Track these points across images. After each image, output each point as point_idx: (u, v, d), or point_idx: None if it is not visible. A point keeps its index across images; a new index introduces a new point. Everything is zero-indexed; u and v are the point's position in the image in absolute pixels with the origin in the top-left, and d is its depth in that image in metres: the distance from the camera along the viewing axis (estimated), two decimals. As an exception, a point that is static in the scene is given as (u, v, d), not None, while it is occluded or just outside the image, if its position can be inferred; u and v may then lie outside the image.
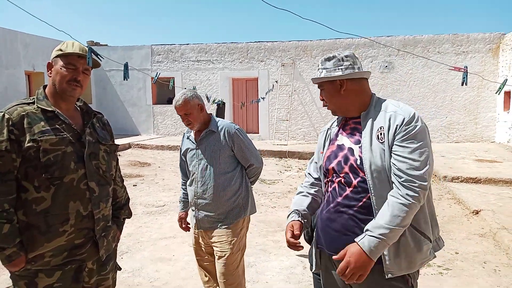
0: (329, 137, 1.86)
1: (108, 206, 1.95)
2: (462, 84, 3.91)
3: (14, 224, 1.68)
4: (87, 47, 2.07)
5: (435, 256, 1.73)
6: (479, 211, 5.44)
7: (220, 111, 10.87)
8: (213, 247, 2.69)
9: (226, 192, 2.64)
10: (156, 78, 6.73)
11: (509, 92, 10.77)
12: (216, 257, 2.67)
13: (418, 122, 1.60)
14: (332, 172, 1.76)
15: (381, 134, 1.63)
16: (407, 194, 1.52)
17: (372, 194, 1.61)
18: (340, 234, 1.68)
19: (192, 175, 2.70)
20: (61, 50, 1.83)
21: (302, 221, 1.86)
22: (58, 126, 1.76)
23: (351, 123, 1.79)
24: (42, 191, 1.71)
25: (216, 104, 10.86)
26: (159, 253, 4.25)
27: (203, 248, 2.79)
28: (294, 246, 1.79)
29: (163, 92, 15.04)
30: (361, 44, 12.68)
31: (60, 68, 1.80)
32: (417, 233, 1.62)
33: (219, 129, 2.68)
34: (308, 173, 2.02)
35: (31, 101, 1.79)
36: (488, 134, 12.04)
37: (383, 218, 1.52)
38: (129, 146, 12.36)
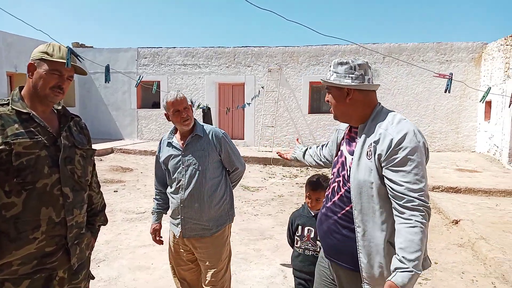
0: (337, 140, 1.96)
1: (82, 212, 1.88)
2: (446, 91, 3.93)
3: None
4: (66, 47, 2.00)
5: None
6: (459, 221, 5.50)
7: (207, 117, 10.79)
8: (198, 256, 2.65)
9: (213, 198, 2.60)
10: (138, 81, 6.65)
11: (490, 102, 10.99)
12: (204, 266, 2.63)
13: (409, 143, 1.58)
14: (332, 175, 1.87)
15: (370, 151, 1.64)
16: (412, 215, 1.53)
17: (354, 207, 1.69)
18: (326, 236, 1.81)
19: (178, 183, 2.60)
20: (47, 53, 1.77)
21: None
22: (32, 129, 1.70)
23: (352, 132, 1.83)
24: (13, 196, 1.63)
25: (201, 109, 10.82)
26: (138, 261, 4.18)
27: (183, 257, 2.74)
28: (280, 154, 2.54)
29: (148, 96, 14.92)
30: (347, 51, 12.80)
31: (44, 73, 1.75)
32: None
33: (207, 133, 2.64)
34: (322, 146, 2.28)
35: (5, 102, 1.73)
36: (469, 143, 12.25)
37: (403, 251, 1.50)
38: (111, 150, 12.19)
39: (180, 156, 2.60)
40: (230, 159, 2.70)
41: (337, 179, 1.80)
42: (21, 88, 1.82)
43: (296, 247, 2.77)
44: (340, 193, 1.76)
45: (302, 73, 13.20)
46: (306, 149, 2.37)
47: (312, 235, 2.64)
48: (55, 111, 1.89)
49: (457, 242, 4.89)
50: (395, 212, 1.57)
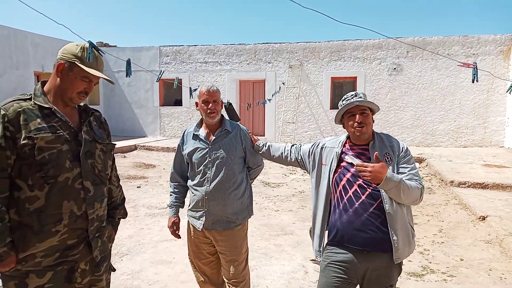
0: (334, 155, 2.28)
1: (103, 206, 1.91)
2: (473, 81, 3.79)
3: (5, 223, 1.63)
4: (88, 41, 2.01)
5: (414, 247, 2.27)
6: (486, 217, 5.33)
7: (232, 113, 10.75)
8: (219, 249, 2.68)
9: (237, 192, 2.64)
10: (159, 76, 6.73)
11: (520, 95, 10.60)
12: (225, 259, 2.66)
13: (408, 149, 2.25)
14: (345, 183, 2.18)
15: (388, 158, 2.15)
16: (420, 183, 2.13)
17: (385, 202, 2.08)
18: (360, 231, 2.10)
19: (203, 176, 2.62)
20: (80, 59, 1.79)
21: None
22: (54, 124, 1.73)
23: (357, 149, 2.24)
24: (36, 189, 1.67)
25: (224, 106, 10.82)
26: (160, 256, 4.23)
27: (203, 251, 2.76)
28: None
29: (170, 93, 15.10)
30: (369, 46, 12.60)
31: (75, 78, 1.78)
32: (411, 228, 2.18)
33: (234, 128, 2.70)
34: (300, 147, 2.59)
35: (28, 97, 1.76)
36: (497, 138, 11.87)
37: (408, 182, 2.06)
38: (135, 147, 12.40)
39: (207, 150, 2.62)
40: (254, 155, 2.75)
41: (356, 183, 2.14)
42: (43, 83, 1.84)
43: None
44: (367, 192, 2.10)
45: (323, 68, 13.07)
46: (268, 146, 2.73)
47: None
48: (76, 106, 1.92)
49: (484, 239, 4.75)
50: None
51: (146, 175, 8.70)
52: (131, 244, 4.54)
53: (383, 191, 2.06)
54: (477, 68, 3.38)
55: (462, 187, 7.11)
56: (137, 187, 7.50)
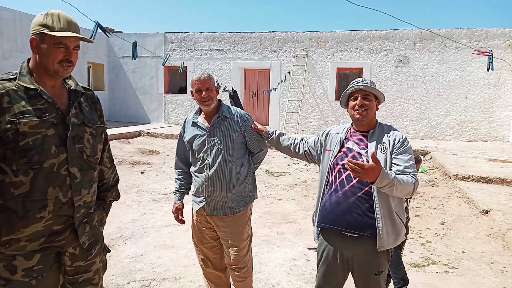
0: (338, 140, 2.33)
1: (91, 192, 1.82)
2: (488, 70, 3.78)
3: None
4: (95, 21, 1.94)
5: (406, 238, 2.38)
6: (489, 211, 5.33)
7: (235, 100, 10.68)
8: (221, 234, 2.69)
9: (237, 178, 2.62)
10: (165, 60, 6.73)
11: (527, 90, 10.51)
12: (226, 245, 2.67)
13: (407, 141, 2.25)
14: (341, 167, 2.23)
15: (384, 148, 2.19)
16: (413, 177, 2.12)
17: (374, 188, 2.11)
18: (346, 213, 2.16)
19: (202, 162, 2.62)
20: (47, 26, 1.63)
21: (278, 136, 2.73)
22: (40, 106, 1.62)
23: (358, 134, 2.29)
24: (20, 175, 1.60)
25: (228, 93, 10.78)
26: (163, 240, 4.27)
27: (205, 235, 2.77)
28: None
29: (175, 81, 15.07)
30: (376, 37, 12.49)
31: (49, 48, 1.63)
32: (399, 219, 2.19)
33: (232, 114, 2.66)
34: (306, 141, 2.64)
35: (12, 76, 1.66)
36: (502, 133, 11.81)
37: (401, 177, 2.05)
38: (139, 134, 12.42)
39: (206, 136, 2.61)
40: (255, 140, 2.71)
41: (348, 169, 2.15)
42: (29, 60, 1.73)
43: None
44: None
45: (329, 59, 12.98)
46: (278, 133, 2.74)
47: None
48: (66, 87, 1.79)
49: (486, 232, 4.75)
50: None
51: (150, 161, 8.72)
52: (135, 228, 4.58)
53: None
54: (492, 56, 3.35)
55: (465, 180, 7.10)
56: (141, 173, 7.53)
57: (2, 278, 1.62)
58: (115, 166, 2.08)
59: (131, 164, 8.26)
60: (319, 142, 2.49)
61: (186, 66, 13.78)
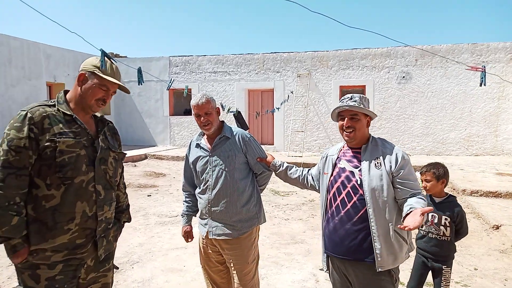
0: (331, 162, 2.30)
1: (111, 209, 2.04)
2: (481, 85, 3.80)
3: (22, 217, 1.76)
4: (100, 49, 2.19)
5: (409, 256, 2.22)
6: (500, 226, 5.25)
7: (242, 121, 10.70)
8: (226, 257, 2.66)
9: (241, 199, 2.60)
10: (170, 85, 6.82)
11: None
12: (231, 268, 2.63)
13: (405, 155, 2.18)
14: (335, 190, 2.20)
15: (378, 163, 2.12)
16: (422, 196, 2.09)
17: (369, 206, 2.09)
18: (344, 239, 2.13)
19: (205, 183, 2.63)
20: (99, 69, 1.94)
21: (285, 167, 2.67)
22: (74, 130, 1.88)
23: (351, 152, 2.25)
24: (53, 189, 1.80)
25: (232, 114, 10.83)
26: (170, 264, 4.23)
27: (212, 258, 2.75)
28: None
29: (180, 103, 15.22)
30: (377, 54, 12.60)
31: (94, 86, 1.93)
32: (400, 237, 2.11)
33: (233, 134, 2.66)
34: (311, 172, 2.58)
35: (51, 103, 1.90)
36: (509, 147, 11.72)
37: (418, 203, 1.99)
38: (145, 156, 12.48)
39: (208, 157, 2.63)
40: (256, 161, 2.70)
41: (344, 191, 2.16)
42: (65, 92, 1.99)
43: (420, 229, 2.99)
44: (353, 200, 2.12)
45: (332, 77, 13.08)
46: (286, 166, 2.68)
47: (435, 220, 2.89)
48: (93, 116, 2.08)
49: (498, 248, 4.67)
50: (408, 197, 2.07)
51: (157, 183, 8.73)
52: (142, 252, 4.55)
53: (368, 199, 2.07)
54: (485, 72, 3.38)
55: (474, 195, 7.02)
56: (148, 196, 7.53)
57: (28, 287, 1.81)
58: (127, 193, 2.34)
59: (138, 187, 8.27)
60: (318, 170, 2.47)
61: (190, 89, 13.93)
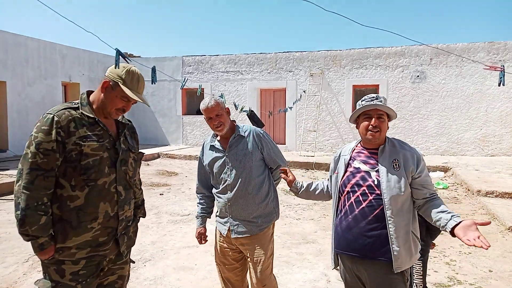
0: (343, 161, 2.27)
1: (131, 208, 2.13)
2: (499, 85, 3.72)
3: (49, 216, 1.85)
4: (115, 49, 2.23)
5: (420, 255, 2.24)
6: (516, 228, 5.16)
7: (256, 119, 10.66)
8: (246, 253, 2.68)
9: (259, 195, 2.64)
10: (183, 84, 6.89)
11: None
12: (252, 263, 2.65)
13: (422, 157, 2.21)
14: (349, 189, 2.17)
15: (396, 165, 2.11)
16: (438, 196, 2.15)
17: (387, 208, 2.06)
18: (358, 238, 2.12)
19: (224, 183, 2.65)
20: (124, 81, 1.97)
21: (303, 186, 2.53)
22: (97, 132, 1.94)
23: (366, 152, 2.22)
24: (77, 190, 1.87)
25: (245, 113, 10.84)
26: (182, 262, 4.27)
27: (228, 256, 2.77)
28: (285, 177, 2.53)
29: (192, 103, 15.29)
30: (391, 53, 12.47)
31: (116, 96, 1.98)
32: (415, 237, 2.13)
33: (247, 132, 2.68)
34: (326, 184, 2.54)
35: (75, 106, 1.96)
36: (527, 147, 11.48)
37: (447, 209, 2.03)
38: (158, 155, 12.59)
39: (225, 157, 2.65)
40: (273, 156, 2.73)
41: (359, 190, 2.13)
42: (88, 93, 2.04)
43: None
44: (368, 199, 2.10)
45: (345, 76, 13.00)
46: (307, 185, 2.54)
47: None
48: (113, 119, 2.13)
49: (514, 250, 4.59)
50: (428, 198, 2.10)
51: (169, 182, 8.80)
52: (154, 250, 4.60)
53: (386, 201, 2.04)
54: (504, 71, 3.31)
55: (489, 196, 6.91)
56: (160, 194, 7.60)
57: (53, 281, 1.90)
58: (142, 189, 2.39)
59: (150, 186, 8.35)
60: (335, 170, 2.38)
61: (203, 88, 14.00)
